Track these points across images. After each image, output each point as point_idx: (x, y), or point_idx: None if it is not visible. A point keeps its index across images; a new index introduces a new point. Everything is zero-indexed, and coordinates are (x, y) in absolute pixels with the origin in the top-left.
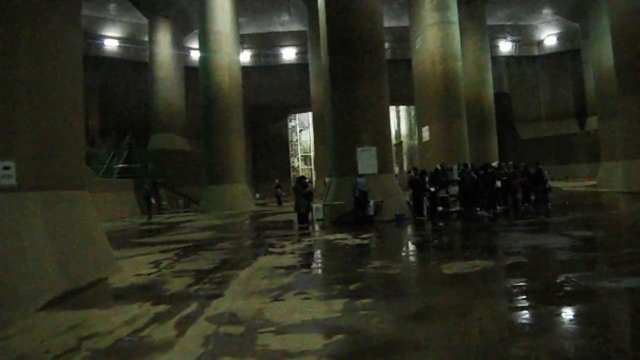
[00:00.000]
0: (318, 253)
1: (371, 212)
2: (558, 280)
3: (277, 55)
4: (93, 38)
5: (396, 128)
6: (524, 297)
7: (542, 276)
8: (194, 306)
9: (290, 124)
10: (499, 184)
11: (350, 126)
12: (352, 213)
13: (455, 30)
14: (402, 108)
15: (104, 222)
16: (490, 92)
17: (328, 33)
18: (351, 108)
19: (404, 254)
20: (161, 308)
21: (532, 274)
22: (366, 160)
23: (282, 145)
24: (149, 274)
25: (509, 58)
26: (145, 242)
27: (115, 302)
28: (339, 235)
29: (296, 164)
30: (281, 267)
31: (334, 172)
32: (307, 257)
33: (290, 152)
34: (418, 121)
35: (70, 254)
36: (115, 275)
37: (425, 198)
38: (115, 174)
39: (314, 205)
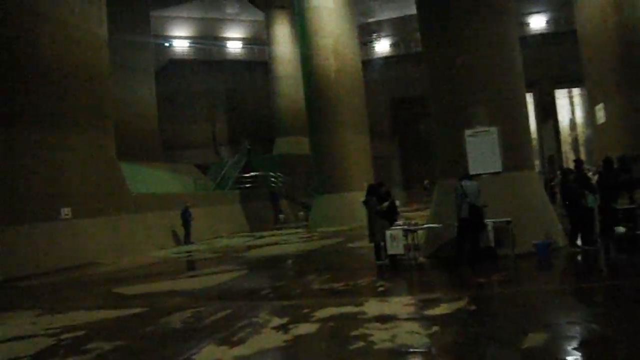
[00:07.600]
0: None
1: (489, 241)
2: None
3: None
4: (215, 40)
5: (570, 116)
6: None
7: None
8: None
9: None
10: None
11: (452, 93)
12: (455, 243)
13: None
14: (576, 92)
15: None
16: None
17: None
18: (455, 62)
19: None
20: None
21: None
22: (481, 150)
23: None
24: None
25: None
26: (118, 294)
27: None
28: (402, 300)
29: None
30: None
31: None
32: None
33: None
34: (589, 99)
35: None
36: None
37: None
38: (229, 185)
39: (387, 233)
